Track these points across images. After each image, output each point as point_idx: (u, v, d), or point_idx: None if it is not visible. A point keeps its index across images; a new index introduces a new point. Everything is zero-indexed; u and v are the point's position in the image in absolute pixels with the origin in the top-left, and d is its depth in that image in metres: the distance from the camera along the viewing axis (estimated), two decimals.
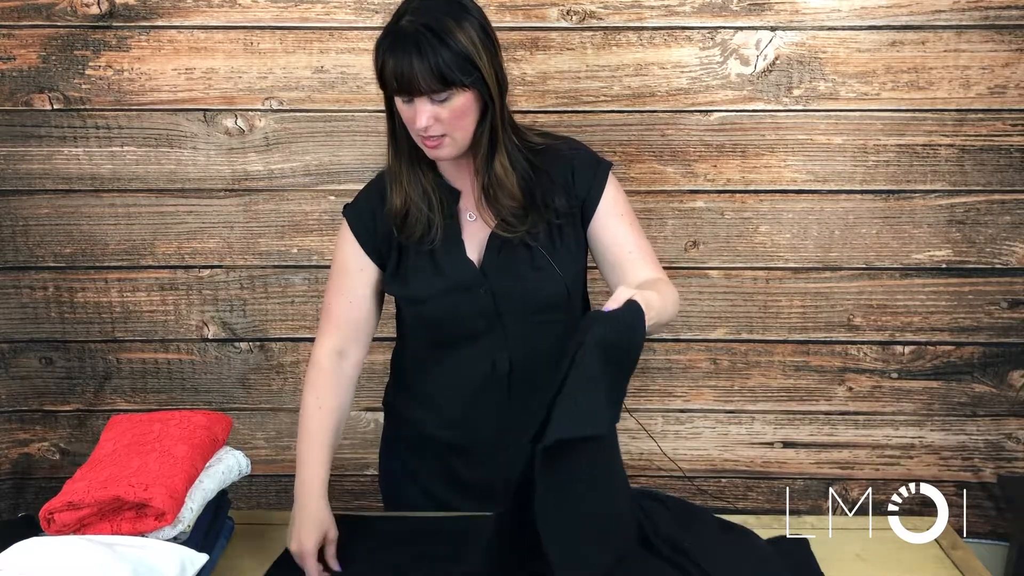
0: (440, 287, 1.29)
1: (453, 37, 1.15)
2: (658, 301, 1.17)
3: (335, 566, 1.23)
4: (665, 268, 1.77)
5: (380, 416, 1.51)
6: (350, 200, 1.36)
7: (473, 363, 1.32)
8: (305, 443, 1.30)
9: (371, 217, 1.33)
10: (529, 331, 1.32)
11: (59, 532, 1.14)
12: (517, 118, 1.69)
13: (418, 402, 1.40)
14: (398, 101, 1.20)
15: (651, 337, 1.82)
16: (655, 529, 1.21)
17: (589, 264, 1.40)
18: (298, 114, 1.74)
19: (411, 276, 1.30)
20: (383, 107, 1.25)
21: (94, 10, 1.69)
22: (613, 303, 1.09)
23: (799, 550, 1.29)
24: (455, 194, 1.31)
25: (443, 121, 1.18)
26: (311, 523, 1.23)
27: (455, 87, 1.16)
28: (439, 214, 1.28)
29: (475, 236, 1.31)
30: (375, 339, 1.44)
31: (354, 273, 1.34)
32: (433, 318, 1.32)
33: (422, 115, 1.17)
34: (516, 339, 1.31)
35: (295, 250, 1.81)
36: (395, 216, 1.29)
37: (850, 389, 1.86)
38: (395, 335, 1.44)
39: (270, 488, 1.95)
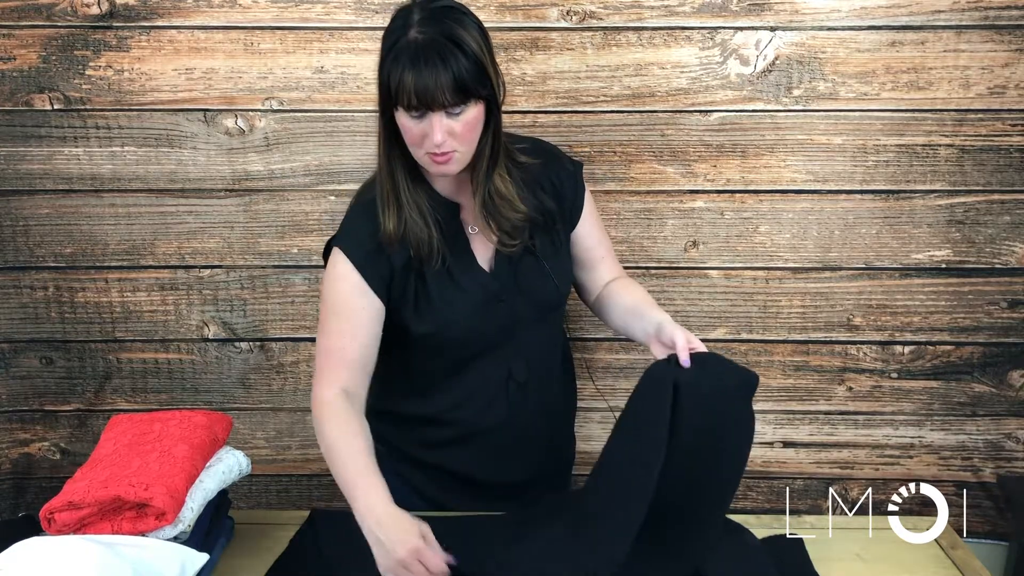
0: (467, 305, 1.25)
1: (466, 44, 1.10)
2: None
3: (451, 558, 1.11)
4: (665, 268, 1.81)
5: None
6: (338, 228, 1.29)
7: (490, 373, 1.31)
8: (345, 467, 1.17)
9: (375, 247, 1.24)
10: (536, 334, 1.33)
11: (59, 532, 1.15)
12: (517, 118, 1.71)
13: (421, 414, 1.36)
14: (403, 118, 1.14)
15: None
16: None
17: None
18: (298, 114, 1.74)
19: (436, 302, 1.24)
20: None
21: (94, 10, 1.69)
22: (683, 353, 1.08)
23: (793, 550, 1.29)
24: (454, 207, 1.28)
25: (456, 135, 1.14)
26: (404, 526, 1.11)
27: (471, 99, 1.12)
28: (437, 231, 1.23)
29: (481, 249, 1.29)
30: None
31: (357, 311, 1.24)
32: (454, 340, 1.27)
33: (438, 130, 1.11)
34: (528, 344, 1.31)
35: (295, 250, 1.81)
36: (390, 241, 1.22)
37: (850, 389, 1.86)
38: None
39: (270, 488, 1.95)
